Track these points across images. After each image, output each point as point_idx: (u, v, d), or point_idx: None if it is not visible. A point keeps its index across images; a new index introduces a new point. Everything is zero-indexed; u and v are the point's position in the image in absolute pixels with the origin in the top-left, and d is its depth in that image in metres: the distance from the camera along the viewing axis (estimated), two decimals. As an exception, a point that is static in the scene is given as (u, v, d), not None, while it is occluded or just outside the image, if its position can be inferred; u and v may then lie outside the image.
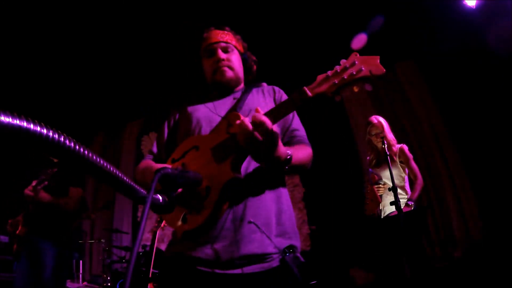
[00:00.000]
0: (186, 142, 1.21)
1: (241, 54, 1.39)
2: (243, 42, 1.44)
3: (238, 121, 0.99)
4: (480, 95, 3.74)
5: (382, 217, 2.99)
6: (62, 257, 2.70)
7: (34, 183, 2.65)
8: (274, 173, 1.19)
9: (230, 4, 3.73)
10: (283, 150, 1.03)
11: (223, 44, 1.33)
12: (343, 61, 0.99)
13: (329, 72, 1.00)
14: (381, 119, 3.11)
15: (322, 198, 4.36)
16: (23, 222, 2.80)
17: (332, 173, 4.18)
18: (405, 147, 3.07)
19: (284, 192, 1.22)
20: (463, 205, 3.77)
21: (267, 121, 0.94)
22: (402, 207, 2.79)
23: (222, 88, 1.36)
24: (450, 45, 3.85)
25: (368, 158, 3.28)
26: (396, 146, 3.08)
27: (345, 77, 0.96)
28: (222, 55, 1.32)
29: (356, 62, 0.97)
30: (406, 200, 2.90)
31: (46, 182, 2.65)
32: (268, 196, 1.14)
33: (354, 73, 0.96)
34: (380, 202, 3.04)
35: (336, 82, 0.97)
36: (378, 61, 0.96)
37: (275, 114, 1.01)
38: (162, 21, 3.95)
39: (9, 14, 3.62)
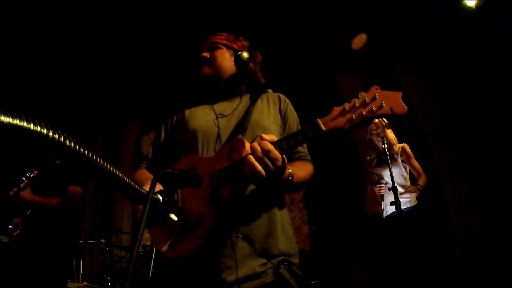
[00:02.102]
0: (186, 159, 1.16)
1: (234, 51, 1.34)
2: (242, 40, 1.40)
3: (245, 149, 0.94)
4: (479, 95, 3.74)
5: (384, 216, 2.99)
6: (61, 256, 2.70)
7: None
8: (273, 194, 1.14)
9: (230, 4, 3.73)
10: (286, 172, 0.97)
11: (209, 45, 1.35)
12: (362, 94, 0.91)
13: (346, 105, 0.92)
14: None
15: (322, 198, 4.35)
16: (23, 222, 2.80)
17: (332, 173, 4.18)
18: (407, 146, 3.08)
19: (283, 212, 1.17)
20: (463, 205, 3.77)
21: (275, 151, 0.89)
22: (410, 203, 2.79)
23: (213, 86, 1.33)
24: (450, 45, 3.84)
25: (368, 157, 3.28)
26: (397, 145, 3.08)
27: (364, 113, 0.89)
28: (204, 53, 1.33)
29: (377, 96, 0.90)
30: (409, 196, 2.91)
31: (22, 185, 2.62)
32: (265, 219, 1.09)
33: (374, 109, 0.89)
34: (381, 202, 3.04)
35: (354, 118, 0.90)
36: (400, 98, 0.89)
37: (283, 146, 0.93)
38: (162, 21, 3.95)
39: (9, 14, 3.62)
